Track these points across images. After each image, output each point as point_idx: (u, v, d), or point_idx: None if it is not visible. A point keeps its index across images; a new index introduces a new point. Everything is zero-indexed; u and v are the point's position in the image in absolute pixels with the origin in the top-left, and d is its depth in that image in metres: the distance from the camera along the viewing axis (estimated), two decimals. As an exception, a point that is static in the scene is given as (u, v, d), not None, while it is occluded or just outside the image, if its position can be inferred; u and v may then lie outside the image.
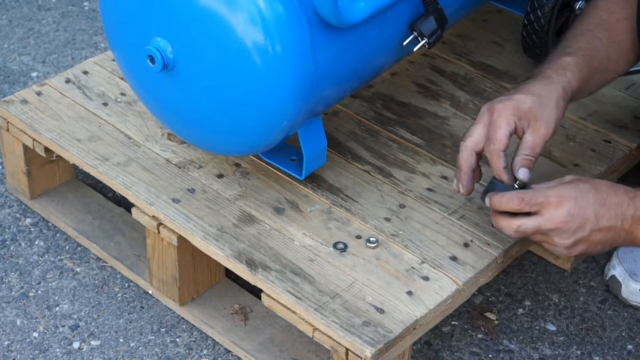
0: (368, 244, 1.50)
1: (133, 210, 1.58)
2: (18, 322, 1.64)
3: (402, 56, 1.61)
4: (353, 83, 1.54)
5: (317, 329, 1.40)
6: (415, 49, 1.53)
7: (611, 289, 1.72)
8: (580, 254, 1.41)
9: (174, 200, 1.56)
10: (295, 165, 1.58)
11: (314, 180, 1.60)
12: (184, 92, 1.46)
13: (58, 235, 1.78)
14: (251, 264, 1.46)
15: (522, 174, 1.43)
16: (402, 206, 1.57)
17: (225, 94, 1.42)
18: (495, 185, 1.44)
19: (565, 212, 1.38)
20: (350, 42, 1.45)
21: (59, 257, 1.75)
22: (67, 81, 1.78)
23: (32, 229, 1.79)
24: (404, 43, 1.52)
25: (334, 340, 1.38)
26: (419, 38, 1.52)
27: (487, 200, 1.43)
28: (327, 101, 1.50)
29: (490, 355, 1.62)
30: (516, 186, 1.43)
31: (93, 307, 1.67)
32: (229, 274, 1.66)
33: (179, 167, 1.62)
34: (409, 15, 1.52)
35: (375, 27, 1.47)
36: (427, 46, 1.52)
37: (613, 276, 1.71)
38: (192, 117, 1.50)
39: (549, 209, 1.39)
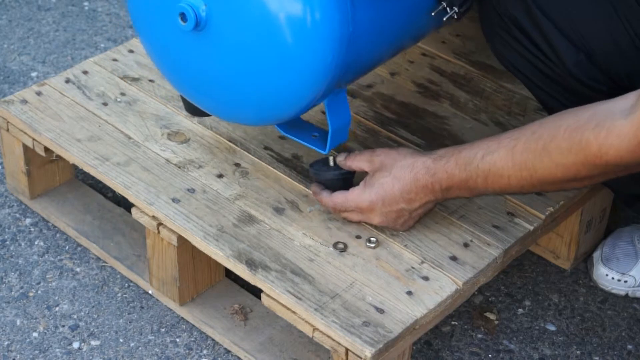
0: (368, 244, 1.50)
1: (133, 210, 1.58)
2: (18, 322, 1.64)
3: (429, 29, 1.58)
4: (389, 49, 1.51)
5: (317, 329, 1.40)
6: (444, 19, 1.50)
7: (589, 270, 1.76)
8: (396, 190, 1.47)
9: (173, 200, 1.56)
10: (317, 140, 1.55)
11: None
12: (215, 54, 1.42)
13: (58, 235, 1.78)
14: (251, 264, 1.46)
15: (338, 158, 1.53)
16: (402, 206, 1.57)
17: (262, 54, 1.38)
18: (320, 165, 1.54)
19: (379, 214, 1.48)
20: (384, 9, 1.42)
21: (58, 257, 1.75)
22: (67, 81, 1.78)
23: (32, 229, 1.79)
24: (433, 13, 1.49)
25: (333, 340, 1.38)
26: (448, 9, 1.49)
27: (312, 187, 1.55)
28: (358, 67, 1.47)
29: (490, 355, 1.62)
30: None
31: (93, 307, 1.67)
32: (229, 274, 1.66)
33: (179, 167, 1.62)
34: None
35: None
36: (455, 17, 1.49)
37: (591, 256, 1.74)
38: (225, 82, 1.45)
39: (364, 212, 1.49)
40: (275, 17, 1.34)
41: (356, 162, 1.50)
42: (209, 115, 1.63)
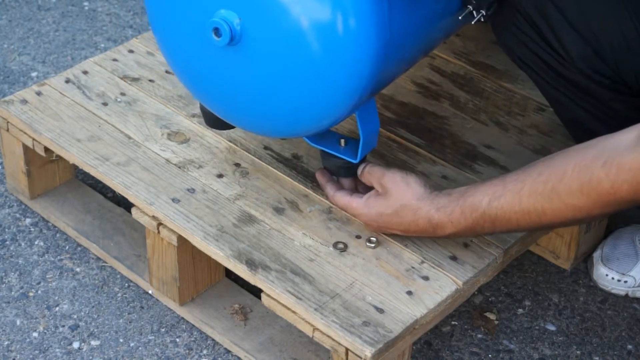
0: (368, 244, 1.50)
1: (133, 210, 1.58)
2: (18, 322, 1.64)
3: (453, 32, 1.58)
4: (417, 55, 1.51)
5: (317, 329, 1.40)
6: (472, 23, 1.49)
7: (589, 269, 1.75)
8: (394, 220, 1.48)
9: (173, 200, 1.56)
10: (348, 149, 1.54)
11: (314, 180, 1.60)
12: (248, 68, 1.39)
13: (58, 235, 1.78)
14: (251, 264, 1.46)
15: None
16: (402, 206, 1.57)
17: (296, 66, 1.35)
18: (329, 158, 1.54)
19: (373, 229, 1.50)
20: (419, 10, 1.42)
21: (58, 257, 1.75)
22: (67, 81, 1.78)
23: (32, 229, 1.79)
24: (460, 17, 1.48)
25: (334, 340, 1.38)
26: (475, 12, 1.49)
27: (318, 174, 1.57)
28: (392, 75, 1.47)
29: (490, 355, 1.62)
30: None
31: (93, 307, 1.67)
32: (229, 274, 1.66)
33: (179, 167, 1.62)
34: None
35: None
36: (482, 19, 1.49)
37: (591, 256, 1.74)
38: (257, 94, 1.42)
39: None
40: (309, 27, 1.32)
41: (369, 179, 1.50)
42: (231, 128, 1.62)
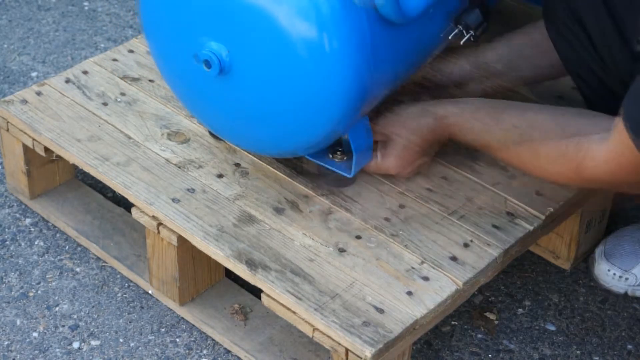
0: (368, 244, 1.50)
1: (133, 210, 1.58)
2: (18, 322, 1.64)
3: (443, 47, 1.60)
4: (402, 78, 1.53)
5: (317, 329, 1.40)
6: (462, 43, 1.52)
7: (589, 266, 1.75)
8: (411, 150, 1.54)
9: (173, 200, 1.56)
10: (343, 164, 1.56)
11: (314, 180, 1.60)
12: (240, 94, 1.44)
13: (58, 235, 1.78)
14: (251, 264, 1.46)
15: None
16: (402, 206, 1.57)
17: (286, 93, 1.40)
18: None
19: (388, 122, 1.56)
20: (402, 36, 1.44)
21: (58, 257, 1.75)
22: (67, 81, 1.78)
23: (32, 229, 1.79)
24: (450, 37, 1.51)
25: (333, 340, 1.38)
26: (465, 32, 1.50)
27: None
28: (378, 98, 1.49)
29: (490, 355, 1.62)
30: None
31: (93, 307, 1.67)
32: (229, 273, 1.66)
33: (179, 167, 1.62)
34: (454, 9, 1.51)
35: (425, 21, 1.46)
36: (472, 39, 1.50)
37: (593, 252, 1.74)
38: (247, 118, 1.47)
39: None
40: (294, 53, 1.35)
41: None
42: None
